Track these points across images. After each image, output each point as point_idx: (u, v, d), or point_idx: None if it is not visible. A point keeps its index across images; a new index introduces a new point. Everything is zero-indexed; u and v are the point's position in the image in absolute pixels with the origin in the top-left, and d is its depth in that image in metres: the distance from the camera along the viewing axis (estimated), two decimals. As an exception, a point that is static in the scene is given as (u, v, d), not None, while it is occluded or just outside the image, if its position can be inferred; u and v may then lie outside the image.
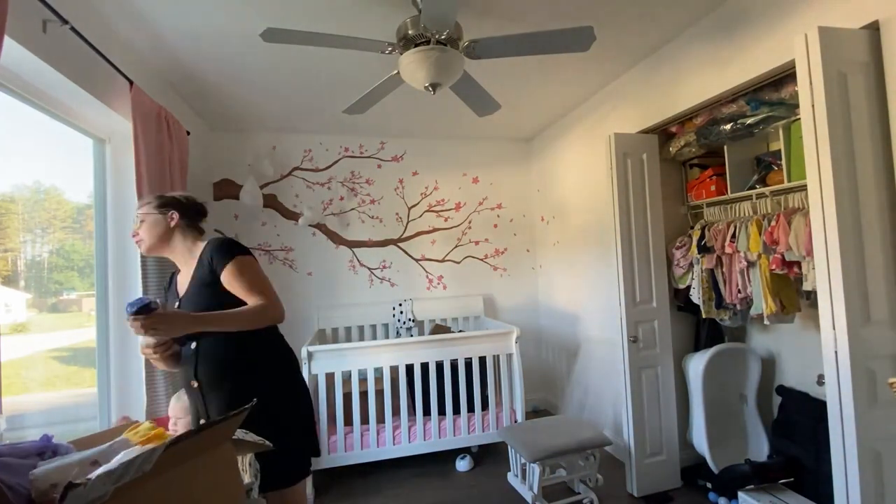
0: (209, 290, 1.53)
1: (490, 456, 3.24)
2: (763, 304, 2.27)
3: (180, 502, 0.96)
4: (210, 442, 1.05)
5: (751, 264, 2.35)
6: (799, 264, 2.12)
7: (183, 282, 1.63)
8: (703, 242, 2.56)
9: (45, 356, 2.13)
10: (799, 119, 1.95)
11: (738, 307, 2.48)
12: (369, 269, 4.00)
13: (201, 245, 1.63)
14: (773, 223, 2.19)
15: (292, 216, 3.80)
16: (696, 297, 2.66)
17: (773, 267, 2.19)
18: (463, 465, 3.07)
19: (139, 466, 0.82)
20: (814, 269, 2.02)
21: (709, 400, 2.60)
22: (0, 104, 1.73)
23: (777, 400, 2.50)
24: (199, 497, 1.02)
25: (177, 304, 1.58)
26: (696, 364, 2.63)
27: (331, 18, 2.11)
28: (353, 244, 3.97)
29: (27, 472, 0.97)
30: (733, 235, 2.39)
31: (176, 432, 1.91)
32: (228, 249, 1.55)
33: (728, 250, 2.41)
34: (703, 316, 2.61)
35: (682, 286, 2.77)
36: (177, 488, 0.95)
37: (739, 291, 2.41)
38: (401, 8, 2.01)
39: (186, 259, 1.63)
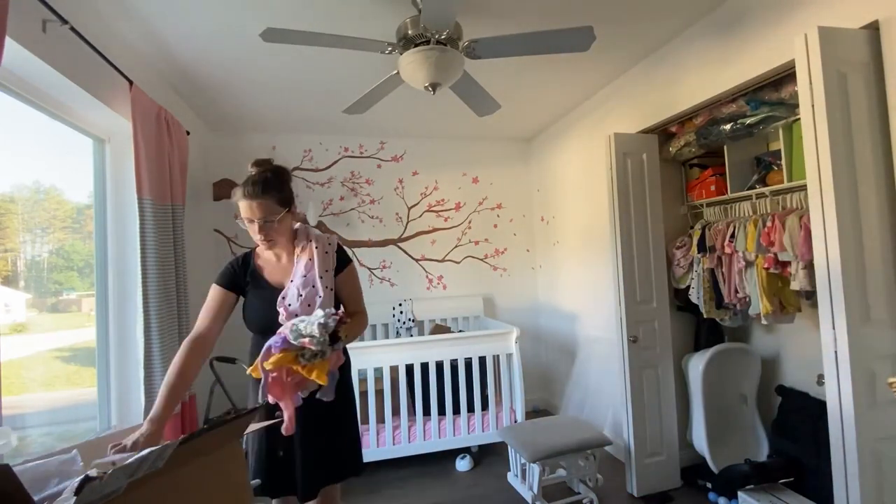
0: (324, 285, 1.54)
1: (490, 456, 3.24)
2: (759, 304, 2.27)
3: (189, 499, 0.97)
4: (220, 441, 1.05)
5: (749, 264, 2.35)
6: (790, 263, 2.13)
7: (280, 270, 1.61)
8: (703, 242, 2.56)
9: (46, 356, 2.13)
10: (799, 119, 1.95)
11: (739, 307, 2.48)
12: (369, 269, 4.00)
13: (304, 229, 1.65)
14: (768, 224, 2.19)
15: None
16: (695, 296, 2.66)
17: (767, 266, 2.20)
18: (463, 464, 3.07)
19: (153, 462, 0.83)
20: (802, 269, 2.03)
21: (709, 400, 2.59)
22: (0, 104, 1.73)
23: (777, 400, 2.50)
24: (208, 494, 1.03)
25: (282, 293, 1.55)
26: (696, 364, 2.63)
27: (330, 18, 2.11)
28: (353, 244, 3.97)
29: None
30: (732, 235, 2.39)
31: None
32: (345, 252, 1.68)
33: (727, 250, 2.41)
34: (705, 316, 2.61)
35: (682, 286, 2.77)
36: (186, 485, 0.96)
37: (737, 291, 2.41)
38: (401, 8, 2.01)
39: (289, 247, 1.62)
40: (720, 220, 2.58)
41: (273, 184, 1.53)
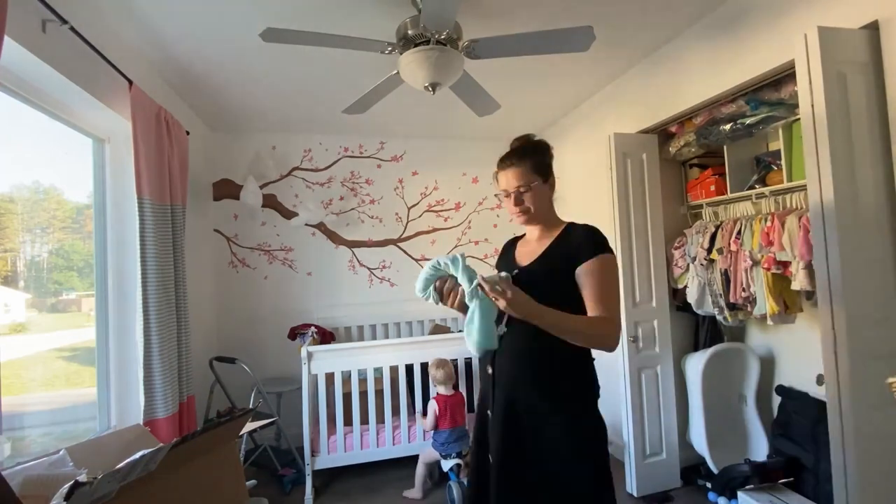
0: (559, 276, 1.36)
1: (490, 456, 3.24)
2: (766, 304, 2.27)
3: (184, 501, 0.97)
4: (214, 442, 1.05)
5: (756, 263, 2.34)
6: (791, 263, 2.12)
7: (527, 252, 1.48)
8: (712, 243, 2.52)
9: (46, 356, 2.13)
10: (799, 119, 1.95)
11: (749, 307, 2.45)
12: (369, 269, 3.99)
13: (559, 219, 1.52)
14: (768, 224, 2.19)
15: (292, 216, 3.80)
16: (690, 297, 2.65)
17: (767, 267, 2.19)
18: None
19: (144, 466, 0.83)
20: (803, 269, 2.03)
21: (708, 400, 2.59)
22: (0, 104, 1.73)
23: (777, 400, 2.50)
24: (203, 496, 1.03)
25: (515, 272, 1.43)
26: (695, 364, 2.63)
27: (331, 18, 2.11)
28: (352, 244, 3.97)
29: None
30: (738, 233, 2.39)
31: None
32: (600, 242, 1.39)
33: (733, 248, 2.40)
34: (729, 321, 2.57)
35: (680, 286, 2.77)
36: (181, 487, 0.96)
37: (744, 290, 2.40)
38: (401, 8, 2.01)
39: (544, 229, 1.49)
40: (729, 219, 2.56)
41: (528, 151, 1.46)
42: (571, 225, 1.49)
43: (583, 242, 1.39)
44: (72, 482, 0.73)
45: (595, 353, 1.47)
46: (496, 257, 4.42)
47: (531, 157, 1.45)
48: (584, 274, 1.34)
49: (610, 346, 1.34)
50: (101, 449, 1.31)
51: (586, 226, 1.46)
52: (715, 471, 2.49)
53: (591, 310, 1.32)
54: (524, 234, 1.60)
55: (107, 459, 1.19)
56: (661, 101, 2.58)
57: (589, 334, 1.31)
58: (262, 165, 3.68)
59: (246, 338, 3.67)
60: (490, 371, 1.45)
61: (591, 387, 1.48)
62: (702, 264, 2.57)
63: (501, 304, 1.24)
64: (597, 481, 1.34)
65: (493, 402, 1.43)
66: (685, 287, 2.73)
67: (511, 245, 1.63)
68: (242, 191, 3.54)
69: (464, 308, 1.34)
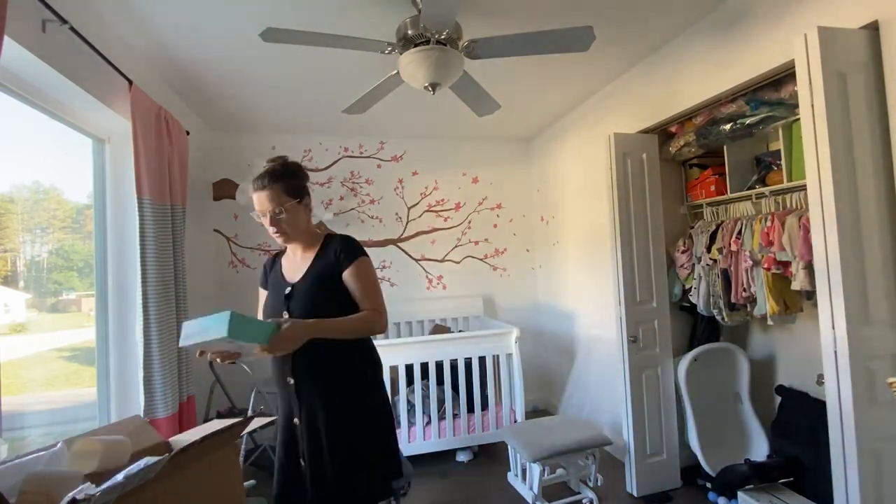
0: (328, 285, 1.51)
1: (490, 456, 3.24)
2: (766, 304, 2.27)
3: (183, 502, 0.97)
4: (213, 448, 1.05)
5: (756, 263, 2.34)
6: (791, 263, 2.13)
7: (293, 268, 1.59)
8: (712, 243, 2.53)
9: (46, 356, 2.13)
10: (799, 119, 1.95)
11: (748, 307, 2.46)
12: (369, 269, 3.99)
13: (319, 232, 1.63)
14: (768, 224, 2.19)
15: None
16: (695, 297, 2.65)
17: (767, 267, 2.20)
18: (463, 456, 3.08)
19: (143, 476, 0.83)
20: (802, 269, 2.03)
21: (697, 400, 2.59)
22: (0, 104, 1.73)
23: (777, 400, 2.49)
24: (202, 497, 1.03)
25: (288, 290, 1.54)
26: (682, 365, 2.64)
27: (331, 18, 2.11)
28: (352, 244, 3.96)
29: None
30: (739, 233, 2.39)
31: None
32: (355, 247, 1.56)
33: (734, 247, 2.40)
34: (726, 319, 2.58)
35: (687, 286, 2.77)
36: (180, 489, 0.96)
37: (745, 290, 2.40)
38: (401, 8, 2.01)
39: (306, 244, 1.60)
40: (728, 219, 2.56)
41: (280, 174, 1.52)
42: (328, 236, 1.63)
43: (341, 250, 1.54)
44: (69, 499, 0.73)
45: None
46: (496, 257, 4.43)
47: (283, 179, 1.52)
48: (350, 277, 1.51)
49: (381, 331, 1.54)
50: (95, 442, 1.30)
51: (342, 235, 1.63)
52: (708, 471, 2.49)
53: (362, 306, 1.51)
54: (285, 249, 1.69)
55: (105, 453, 1.19)
56: (661, 101, 2.58)
57: (364, 328, 1.50)
58: (253, 168, 3.67)
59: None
60: (291, 382, 1.52)
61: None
62: (707, 265, 2.57)
63: (278, 353, 1.35)
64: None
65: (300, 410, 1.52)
66: (691, 288, 2.73)
67: (274, 261, 1.70)
68: (237, 191, 3.54)
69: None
